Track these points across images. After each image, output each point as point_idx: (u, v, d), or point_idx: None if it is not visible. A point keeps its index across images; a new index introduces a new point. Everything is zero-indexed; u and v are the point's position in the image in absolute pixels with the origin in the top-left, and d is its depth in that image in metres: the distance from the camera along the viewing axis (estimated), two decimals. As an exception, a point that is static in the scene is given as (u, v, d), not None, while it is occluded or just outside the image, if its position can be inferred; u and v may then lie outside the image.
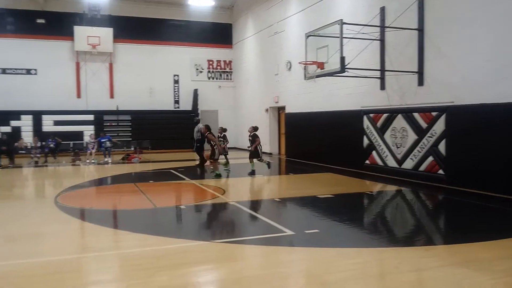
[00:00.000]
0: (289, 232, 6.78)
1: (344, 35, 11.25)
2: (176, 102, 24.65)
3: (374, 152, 13.40)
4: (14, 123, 21.57)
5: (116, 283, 4.81)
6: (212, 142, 13.63)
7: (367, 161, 13.72)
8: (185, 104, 24.58)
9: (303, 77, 15.56)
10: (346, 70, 11.44)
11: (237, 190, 11.45)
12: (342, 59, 11.26)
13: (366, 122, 13.66)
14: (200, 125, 16.36)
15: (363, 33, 12.46)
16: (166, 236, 6.67)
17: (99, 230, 7.24)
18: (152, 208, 9.07)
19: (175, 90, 24.67)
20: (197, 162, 16.42)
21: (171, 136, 23.30)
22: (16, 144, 18.84)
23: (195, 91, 24.42)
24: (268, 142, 21.18)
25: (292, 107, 18.70)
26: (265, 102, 21.37)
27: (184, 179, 12.97)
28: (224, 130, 15.38)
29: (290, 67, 18.63)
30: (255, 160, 13.84)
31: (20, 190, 12.55)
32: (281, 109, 20.50)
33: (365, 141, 13.74)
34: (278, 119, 21.08)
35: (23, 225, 7.74)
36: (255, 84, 22.69)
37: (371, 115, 13.43)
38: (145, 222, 7.94)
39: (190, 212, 8.87)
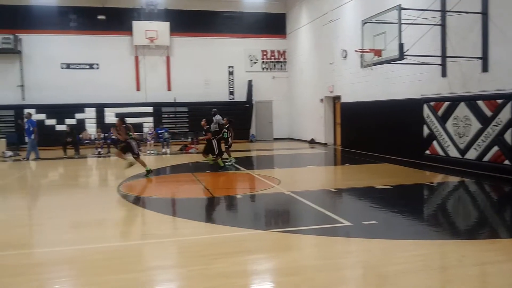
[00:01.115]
0: (346, 223, 6.69)
1: (402, 21, 10.86)
2: (231, 93, 24.91)
3: (435, 142, 12.91)
4: (78, 115, 22.65)
5: (177, 269, 4.96)
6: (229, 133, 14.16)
7: (427, 151, 13.24)
8: (240, 95, 24.78)
9: (359, 66, 15.23)
10: (405, 57, 11.06)
11: (293, 180, 11.43)
12: (401, 45, 10.89)
13: (426, 111, 13.16)
14: (219, 117, 16.29)
15: (423, 18, 11.98)
16: (223, 225, 6.80)
17: (159, 218, 7.49)
18: (209, 197, 9.25)
19: (230, 81, 24.92)
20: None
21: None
22: (80, 135, 19.78)
23: (249, 82, 24.55)
24: (323, 132, 20.97)
25: (347, 96, 18.37)
26: (320, 91, 21.13)
27: (239, 169, 13.10)
28: (230, 121, 14.65)
29: (345, 56, 18.28)
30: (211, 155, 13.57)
31: (85, 179, 13.18)
32: (336, 98, 20.20)
33: (425, 131, 13.25)
34: (333, 109, 20.79)
35: (88, 212, 8.14)
36: (310, 74, 22.48)
37: (432, 103, 12.92)
38: (202, 211, 8.12)
39: (246, 202, 8.97)
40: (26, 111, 19.18)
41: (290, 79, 25.36)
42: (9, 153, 18.31)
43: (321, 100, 21.07)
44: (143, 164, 12.09)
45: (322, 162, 15.71)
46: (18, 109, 22.00)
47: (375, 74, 15.85)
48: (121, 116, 12.75)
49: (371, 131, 16.30)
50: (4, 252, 5.71)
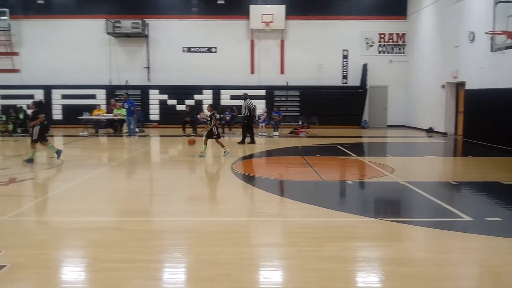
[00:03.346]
0: (466, 217, 6.22)
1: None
2: (344, 77, 24.36)
3: None
4: (196, 96, 23.84)
5: (287, 248, 5.01)
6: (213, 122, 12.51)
7: None
8: (353, 80, 24.12)
9: (489, 49, 13.91)
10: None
11: (408, 169, 10.89)
12: (542, 26, 9.72)
13: None
14: (250, 101, 15.90)
15: None
16: (334, 209, 6.71)
17: (269, 197, 7.63)
18: (320, 181, 9.19)
19: (344, 65, 24.35)
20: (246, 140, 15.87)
21: (338, 112, 23.20)
22: (198, 115, 20.85)
23: (364, 66, 23.75)
24: (443, 120, 19.63)
25: (473, 83, 16.92)
26: (442, 77, 19.74)
27: (351, 155, 12.82)
28: (215, 108, 13.36)
29: (473, 38, 16.80)
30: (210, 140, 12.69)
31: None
32: (459, 85, 18.73)
33: None
34: (456, 96, 19.32)
35: (203, 188, 8.59)
36: (431, 58, 21.09)
37: None
38: (312, 194, 8.10)
39: (358, 188, 8.76)
40: (125, 92, 20.59)
41: (408, 63, 24.06)
42: (136, 129, 19.90)
43: (443, 86, 19.70)
44: (222, 145, 12.54)
45: (441, 153, 14.75)
46: (144, 89, 23.82)
47: (508, 58, 14.34)
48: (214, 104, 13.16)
49: (500, 122, 14.85)
50: (131, 218, 6.25)
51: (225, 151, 12.40)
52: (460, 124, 18.66)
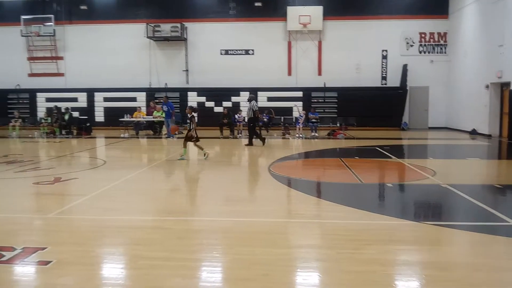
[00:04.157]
0: (511, 222, 5.98)
1: None
2: (384, 78, 23.95)
3: None
4: (234, 98, 24.01)
5: (325, 250, 4.96)
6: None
7: None
8: (393, 81, 23.68)
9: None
10: None
11: (450, 172, 10.58)
12: None
13: None
14: (254, 103, 15.68)
15: None
16: (373, 212, 6.59)
17: (307, 199, 7.58)
18: (358, 183, 9.06)
19: (383, 65, 23.95)
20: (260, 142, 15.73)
21: (377, 113, 22.84)
22: (236, 116, 20.97)
23: (404, 66, 23.27)
24: (487, 122, 18.99)
25: (519, 83, 16.28)
26: (485, 77, 19.10)
27: (390, 158, 12.58)
28: (194, 110, 12.70)
29: (519, 37, 16.18)
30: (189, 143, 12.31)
31: (238, 158, 13.96)
32: (504, 85, 18.07)
33: None
34: (501, 97, 18.65)
35: (241, 189, 8.63)
36: (474, 58, 20.44)
37: None
38: (351, 196, 7.99)
39: (398, 191, 8.59)
40: (165, 95, 20.93)
41: (450, 63, 23.41)
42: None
43: (487, 86, 19.05)
44: (201, 148, 12.28)
45: (485, 155, 14.25)
46: (182, 92, 24.20)
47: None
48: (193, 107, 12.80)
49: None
50: (170, 217, 6.35)
51: (205, 154, 12.14)
52: (505, 126, 18.00)
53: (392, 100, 23.06)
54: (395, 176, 10.37)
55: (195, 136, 12.13)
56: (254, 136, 15.77)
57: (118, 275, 4.34)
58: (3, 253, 4.67)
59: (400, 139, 19.13)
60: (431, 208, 7.35)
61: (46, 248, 4.82)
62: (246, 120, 16.19)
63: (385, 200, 8.05)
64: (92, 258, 4.74)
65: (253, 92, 23.72)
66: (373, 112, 22.88)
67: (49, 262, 4.43)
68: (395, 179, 9.98)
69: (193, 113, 12.21)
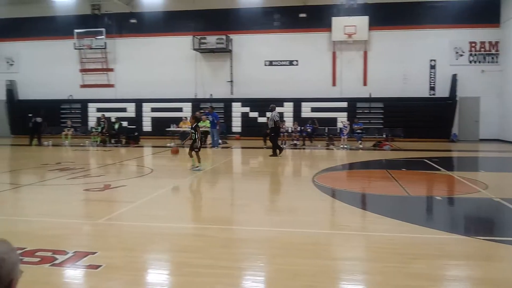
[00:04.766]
0: None
1: None
2: (432, 88, 23.31)
3: None
4: (278, 109, 23.93)
5: (371, 263, 4.85)
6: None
7: None
8: (442, 91, 23.00)
9: None
10: None
11: (503, 185, 10.12)
12: None
13: None
14: (275, 113, 15.37)
15: None
16: (421, 225, 6.40)
17: (352, 210, 7.45)
18: (405, 195, 8.82)
19: (431, 76, 23.33)
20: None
21: (425, 125, 22.25)
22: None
23: (454, 76, 22.58)
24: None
25: None
26: (542, 87, 18.24)
27: (439, 170, 12.19)
28: (198, 119, 12.51)
29: None
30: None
31: (281, 168, 13.94)
32: None
33: None
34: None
35: (285, 199, 8.59)
36: (529, 67, 19.57)
37: None
38: (397, 208, 7.79)
39: (447, 204, 8.32)
40: (210, 106, 21.25)
41: (502, 73, 22.50)
42: (219, 141, 20.49)
43: (543, 97, 18.18)
44: (199, 160, 11.85)
45: None
46: (227, 102, 24.50)
47: None
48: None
49: None
50: (214, 226, 6.41)
51: (196, 166, 11.67)
52: None
53: (441, 111, 22.41)
54: (444, 189, 10.03)
55: (199, 146, 11.83)
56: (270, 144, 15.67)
57: (163, 281, 4.42)
58: (56, 256, 4.85)
59: (450, 151, 18.53)
60: (482, 222, 7.05)
61: (96, 252, 4.97)
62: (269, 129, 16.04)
63: (433, 213, 7.80)
64: (140, 263, 4.85)
65: (297, 103, 23.80)
66: (421, 123, 22.30)
67: (99, 266, 4.57)
68: (444, 192, 9.65)
69: (196, 122, 12.05)
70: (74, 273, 4.50)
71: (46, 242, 5.33)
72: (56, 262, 4.70)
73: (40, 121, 20.42)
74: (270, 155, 15.34)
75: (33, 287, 4.06)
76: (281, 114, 23.47)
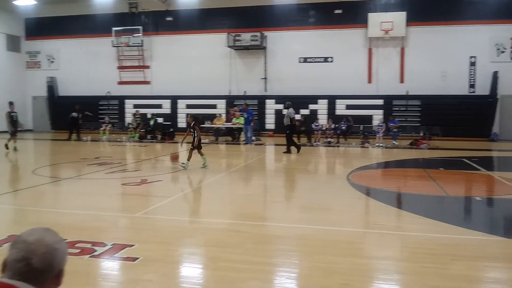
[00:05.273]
0: None
1: None
2: (471, 86, 22.61)
3: None
4: (312, 106, 23.89)
5: (407, 263, 4.76)
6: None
7: None
8: (482, 89, 22.27)
9: None
10: None
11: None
12: None
13: None
14: (291, 110, 15.14)
15: None
16: (459, 226, 6.24)
17: (387, 210, 7.34)
18: (443, 195, 8.62)
19: (471, 73, 22.62)
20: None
21: (464, 123, 21.60)
22: (312, 125, 20.90)
23: (495, 73, 21.81)
24: None
25: None
26: None
27: (479, 170, 11.84)
28: (195, 118, 12.11)
29: None
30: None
31: (315, 166, 13.87)
32: None
33: None
34: None
35: (319, 197, 8.54)
36: None
37: None
38: (434, 208, 7.63)
39: (487, 205, 8.07)
40: (244, 103, 21.26)
41: (548, 70, 21.60)
42: (253, 138, 20.56)
43: None
44: (189, 158, 11.48)
45: None
46: (260, 99, 24.52)
47: None
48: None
49: None
50: (248, 222, 6.44)
51: (184, 164, 11.35)
52: None
53: (481, 109, 21.72)
54: (483, 189, 9.74)
55: (196, 144, 11.54)
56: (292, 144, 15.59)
57: (198, 275, 4.49)
58: (95, 248, 4.99)
59: (490, 150, 17.97)
60: (525, 224, 6.82)
61: (133, 245, 5.08)
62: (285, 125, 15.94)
63: (472, 214, 7.60)
64: (176, 257, 4.94)
65: (331, 100, 23.57)
66: (459, 122, 21.68)
67: (137, 258, 4.67)
68: (483, 192, 9.37)
69: (194, 121, 11.81)
70: (112, 265, 4.63)
71: (85, 234, 5.49)
72: (95, 253, 4.84)
73: (76, 116, 21.00)
74: (284, 152, 15.35)
75: (74, 278, 4.19)
76: (315, 112, 23.44)
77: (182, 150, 13.94)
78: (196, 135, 11.50)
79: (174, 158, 12.16)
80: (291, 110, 15.74)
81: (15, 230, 5.44)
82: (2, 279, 1.46)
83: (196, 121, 11.93)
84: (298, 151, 15.27)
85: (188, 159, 11.43)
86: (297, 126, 17.12)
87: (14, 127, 15.89)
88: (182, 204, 7.52)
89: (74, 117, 20.94)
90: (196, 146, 11.52)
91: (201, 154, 11.64)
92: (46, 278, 1.50)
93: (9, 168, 13.07)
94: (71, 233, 5.45)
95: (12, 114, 15.99)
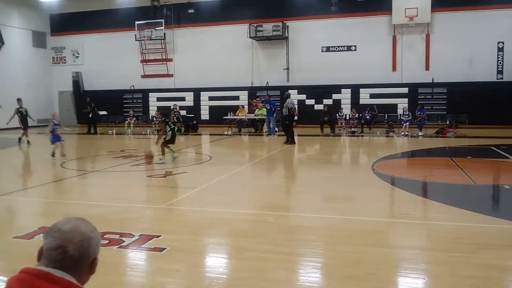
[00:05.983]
0: None
1: None
2: (499, 72, 22.02)
3: None
4: (335, 96, 23.69)
5: (435, 252, 4.71)
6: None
7: None
8: (510, 75, 21.68)
9: None
10: None
11: None
12: None
13: None
14: (289, 100, 14.89)
15: None
16: (487, 215, 6.14)
17: (414, 199, 7.26)
18: (471, 184, 8.46)
19: (499, 59, 22.02)
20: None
21: (492, 110, 21.06)
22: (337, 114, 20.75)
23: (524, 59, 21.24)
24: None
25: None
26: None
27: (508, 158, 11.57)
28: (164, 114, 11.98)
29: None
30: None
31: (338, 156, 13.78)
32: None
33: None
34: None
35: (344, 187, 8.50)
36: None
37: None
38: (461, 197, 7.52)
39: (516, 193, 7.89)
40: (266, 94, 21.19)
41: None
42: (275, 129, 20.53)
43: None
44: (163, 152, 11.31)
45: None
46: (283, 90, 24.35)
47: None
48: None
49: None
50: (274, 212, 6.47)
51: (161, 159, 11.12)
52: None
53: (510, 95, 21.15)
54: (513, 177, 9.53)
55: (167, 139, 11.37)
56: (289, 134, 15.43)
57: (224, 265, 4.54)
58: (123, 239, 5.09)
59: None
60: (558, 213, 6.64)
61: (160, 236, 5.17)
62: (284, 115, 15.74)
63: (501, 203, 7.45)
64: (202, 247, 5.01)
65: (355, 89, 23.31)
66: (487, 109, 21.15)
67: (164, 249, 4.74)
68: (513, 180, 9.17)
69: (164, 117, 11.72)
70: (140, 255, 4.71)
71: (113, 225, 5.59)
72: (124, 244, 4.93)
73: (87, 111, 21.41)
74: (285, 142, 15.24)
75: (103, 268, 4.26)
76: (338, 101, 23.24)
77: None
78: (170, 129, 11.35)
79: (149, 157, 12.02)
80: (290, 100, 15.68)
81: (45, 222, 5.59)
82: (38, 267, 1.51)
83: (166, 116, 11.83)
84: (290, 143, 15.14)
85: (163, 154, 11.27)
86: (295, 115, 16.66)
87: (24, 123, 16.37)
88: (207, 195, 7.59)
89: (89, 111, 21.39)
90: (168, 140, 11.41)
91: (169, 148, 11.50)
92: (81, 266, 1.55)
93: (38, 161, 13.38)
94: (99, 224, 5.45)
95: (20, 109, 16.45)
